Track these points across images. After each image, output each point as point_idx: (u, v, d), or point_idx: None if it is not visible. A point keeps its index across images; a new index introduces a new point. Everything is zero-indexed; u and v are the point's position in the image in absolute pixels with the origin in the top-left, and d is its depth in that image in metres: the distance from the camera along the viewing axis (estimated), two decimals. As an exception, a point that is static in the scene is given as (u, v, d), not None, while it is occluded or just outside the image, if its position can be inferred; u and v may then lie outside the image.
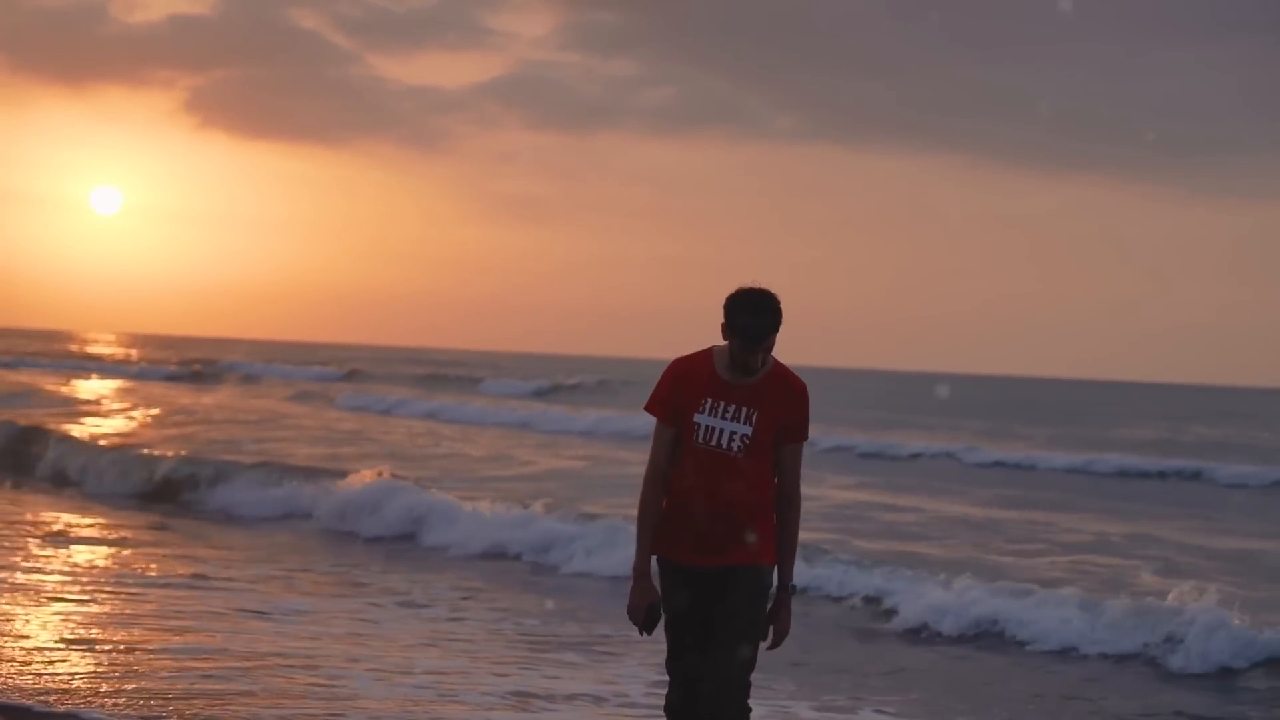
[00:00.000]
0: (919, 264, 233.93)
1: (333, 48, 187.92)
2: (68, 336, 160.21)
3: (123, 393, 44.10)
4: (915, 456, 32.66)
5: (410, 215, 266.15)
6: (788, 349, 5.01)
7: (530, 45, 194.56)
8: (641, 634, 5.04)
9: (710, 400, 4.91)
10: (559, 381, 66.67)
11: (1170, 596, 11.56)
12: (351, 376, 68.41)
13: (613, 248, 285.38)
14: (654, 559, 5.04)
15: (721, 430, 4.90)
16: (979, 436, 40.42)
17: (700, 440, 4.91)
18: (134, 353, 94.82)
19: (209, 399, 43.51)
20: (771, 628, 5.00)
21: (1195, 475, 29.54)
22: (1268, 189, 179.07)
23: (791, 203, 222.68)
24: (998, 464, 31.37)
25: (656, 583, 5.03)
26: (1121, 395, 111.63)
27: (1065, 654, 11.06)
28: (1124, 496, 24.49)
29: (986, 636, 11.55)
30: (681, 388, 4.97)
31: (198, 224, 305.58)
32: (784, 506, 5.01)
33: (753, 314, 4.84)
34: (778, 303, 4.88)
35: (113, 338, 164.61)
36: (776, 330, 4.88)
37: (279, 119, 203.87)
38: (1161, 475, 29.70)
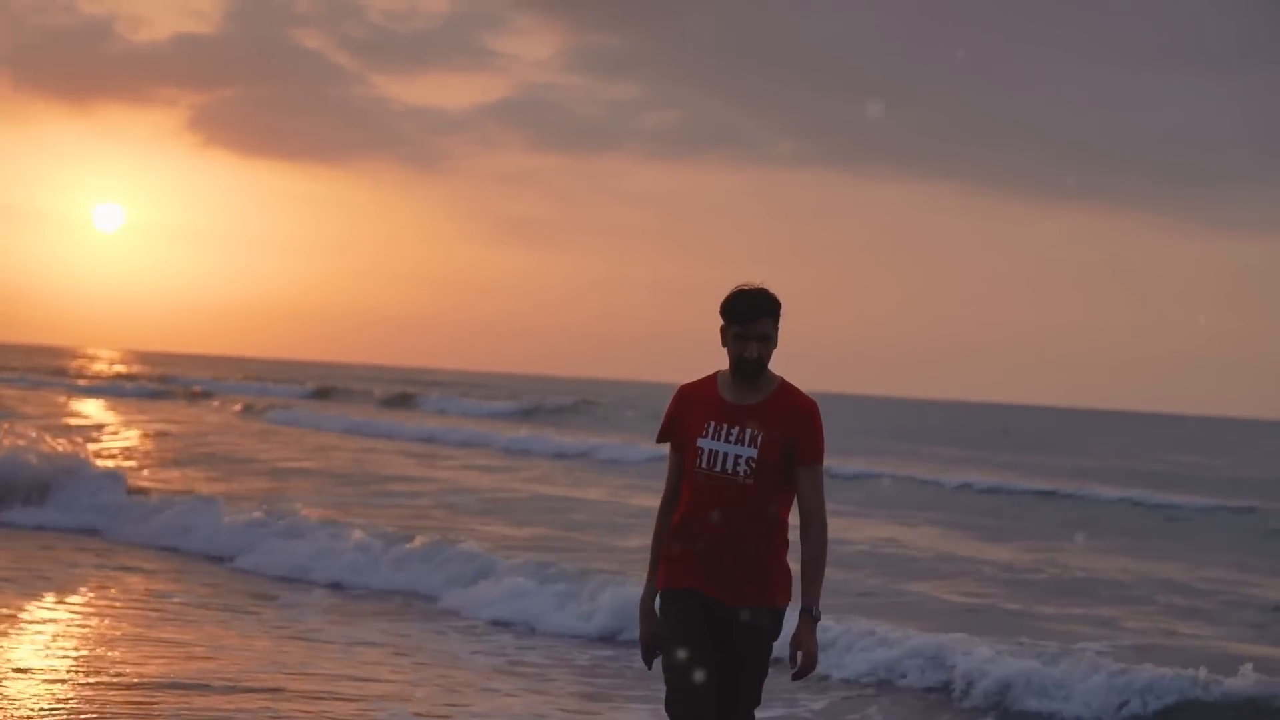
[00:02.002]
0: (918, 290, 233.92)
1: (336, 68, 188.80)
2: (68, 353, 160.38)
3: (51, 406, 43.72)
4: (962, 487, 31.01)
5: (411, 235, 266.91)
6: (789, 373, 4.86)
7: (533, 67, 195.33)
8: (647, 666, 4.88)
9: (713, 423, 4.72)
10: (539, 402, 66.04)
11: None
12: (322, 394, 68.16)
13: (613, 270, 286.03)
14: (660, 590, 4.83)
15: (726, 454, 4.68)
16: (994, 467, 39.33)
17: (704, 465, 4.71)
18: (108, 368, 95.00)
19: (123, 413, 43.18)
20: (799, 653, 4.68)
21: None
22: (1269, 221, 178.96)
23: (793, 227, 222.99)
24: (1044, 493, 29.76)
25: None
26: (1109, 424, 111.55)
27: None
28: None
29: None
30: (686, 412, 4.80)
31: (200, 241, 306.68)
32: (805, 528, 4.79)
33: (744, 298, 4.68)
34: (773, 294, 4.71)
35: (114, 354, 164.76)
36: (772, 319, 4.70)
37: (282, 138, 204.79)
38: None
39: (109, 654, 9.18)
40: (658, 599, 4.84)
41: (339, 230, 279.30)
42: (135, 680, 8.39)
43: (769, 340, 4.71)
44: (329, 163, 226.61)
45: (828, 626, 10.55)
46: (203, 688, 8.32)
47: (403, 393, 69.03)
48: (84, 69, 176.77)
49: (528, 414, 58.79)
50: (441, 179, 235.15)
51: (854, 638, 10.76)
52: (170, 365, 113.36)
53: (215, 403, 54.28)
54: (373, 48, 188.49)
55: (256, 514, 16.18)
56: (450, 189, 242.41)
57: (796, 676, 4.76)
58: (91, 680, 8.35)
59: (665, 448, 4.92)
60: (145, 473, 21.92)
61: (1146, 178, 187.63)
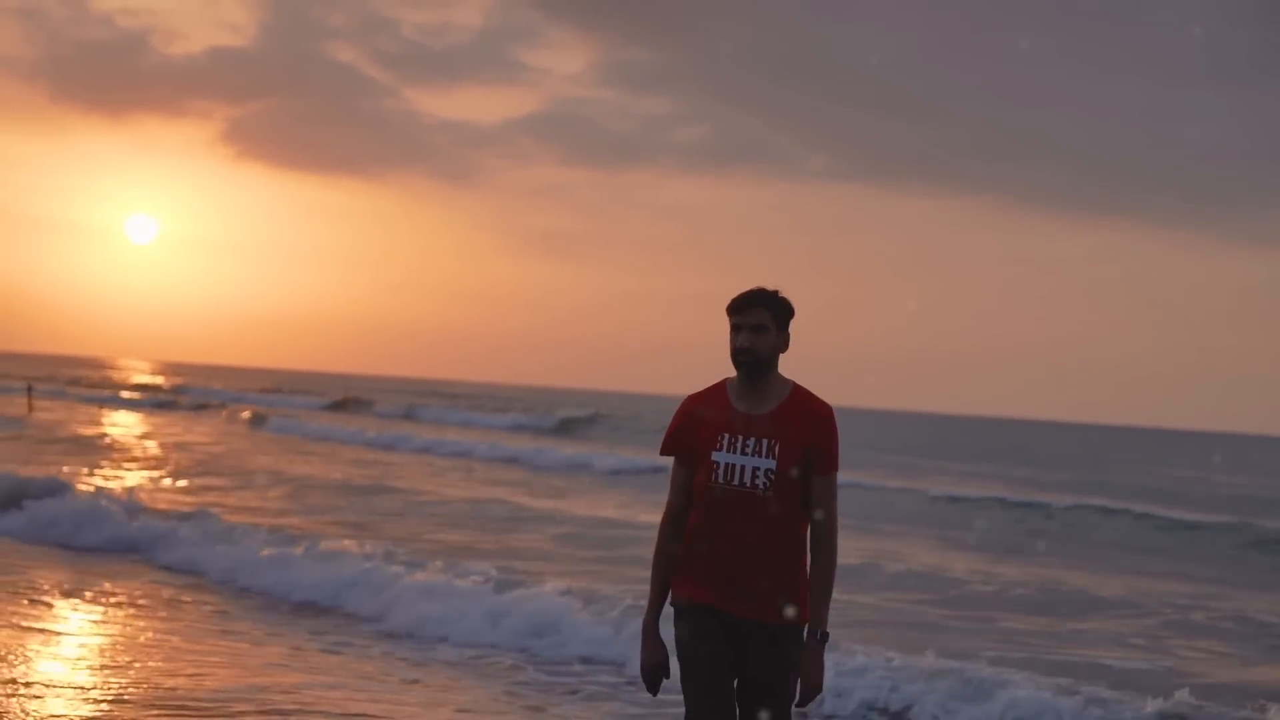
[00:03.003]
0: (946, 305, 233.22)
1: (369, 81, 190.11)
2: (100, 363, 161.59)
3: (52, 417, 44.15)
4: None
5: (443, 248, 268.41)
6: (817, 387, 4.61)
7: (565, 82, 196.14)
8: (650, 693, 4.64)
9: (728, 435, 4.49)
10: (565, 415, 65.72)
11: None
12: (342, 406, 68.47)
13: (643, 283, 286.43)
14: (674, 607, 4.59)
15: (743, 467, 4.45)
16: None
17: (721, 479, 4.47)
18: (125, 378, 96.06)
19: (125, 422, 43.60)
20: (799, 680, 4.49)
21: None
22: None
23: (821, 241, 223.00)
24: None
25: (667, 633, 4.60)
26: (1132, 440, 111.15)
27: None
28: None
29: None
30: (696, 424, 4.56)
31: (233, 254, 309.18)
32: (816, 544, 4.56)
33: (743, 292, 4.53)
34: (776, 293, 4.53)
35: (145, 365, 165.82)
36: (770, 312, 4.50)
37: (315, 150, 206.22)
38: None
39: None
40: (673, 619, 4.58)
41: (371, 243, 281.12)
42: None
43: (764, 332, 4.48)
44: (361, 176, 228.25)
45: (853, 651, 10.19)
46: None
47: (410, 404, 69.26)
48: (119, 81, 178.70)
49: (562, 428, 58.44)
50: (473, 192, 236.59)
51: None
52: (195, 376, 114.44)
53: (224, 413, 54.62)
54: (405, 61, 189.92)
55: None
56: (481, 202, 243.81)
57: (798, 705, 4.54)
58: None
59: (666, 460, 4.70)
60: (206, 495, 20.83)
61: (1175, 194, 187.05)
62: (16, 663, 8.67)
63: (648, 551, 4.80)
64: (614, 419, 62.94)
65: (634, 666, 9.75)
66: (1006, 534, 24.62)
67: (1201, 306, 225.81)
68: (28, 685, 8.02)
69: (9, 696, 7.66)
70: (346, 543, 15.02)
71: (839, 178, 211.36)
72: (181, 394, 70.03)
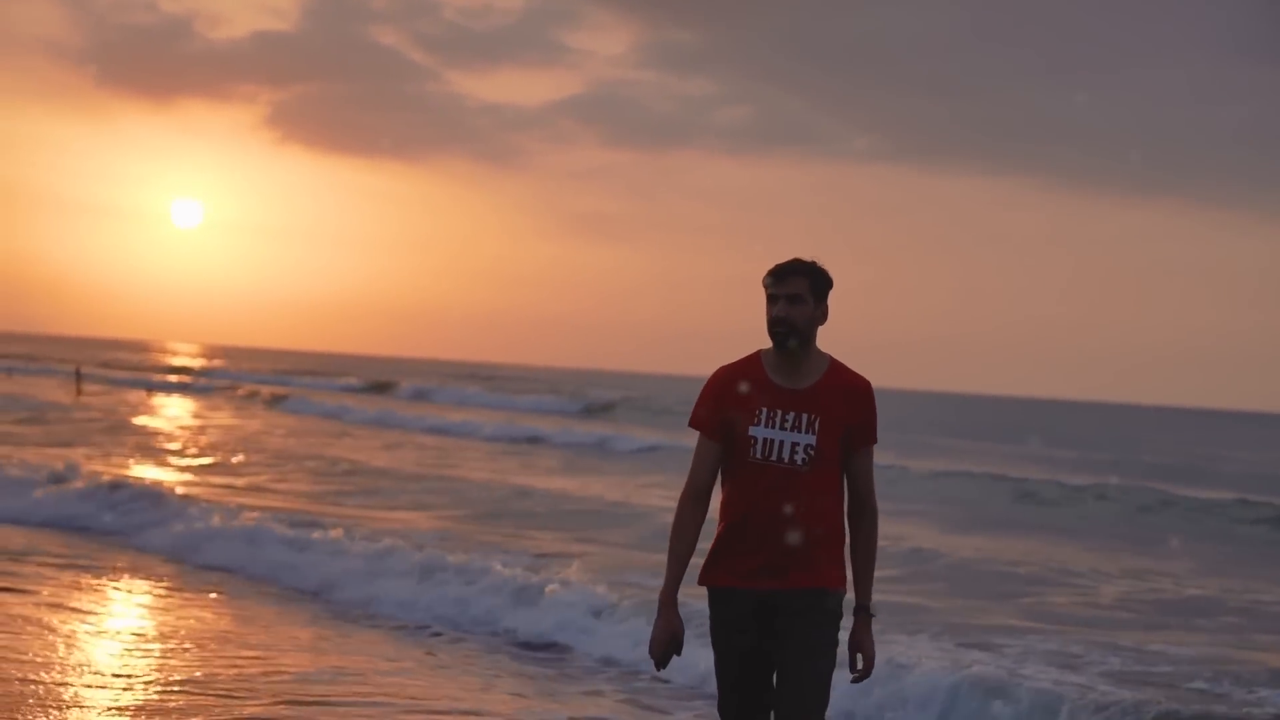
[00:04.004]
0: (989, 285, 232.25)
1: (411, 64, 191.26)
2: (146, 346, 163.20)
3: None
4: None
5: (486, 231, 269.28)
6: (858, 367, 4.55)
7: (607, 63, 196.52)
8: (658, 669, 4.47)
9: (766, 410, 4.38)
10: (595, 398, 66.00)
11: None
12: (377, 389, 69.15)
13: (685, 265, 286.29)
14: (706, 590, 4.51)
15: (782, 442, 4.36)
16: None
17: (759, 455, 4.37)
18: (172, 360, 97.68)
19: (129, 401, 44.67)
20: (860, 655, 4.47)
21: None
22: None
23: (864, 222, 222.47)
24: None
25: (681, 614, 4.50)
26: (1178, 421, 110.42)
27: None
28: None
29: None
30: (731, 398, 4.43)
31: (277, 237, 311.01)
32: (857, 518, 4.52)
33: (779, 264, 4.43)
34: (815, 263, 4.42)
35: (191, 348, 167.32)
36: (808, 282, 4.40)
37: (358, 134, 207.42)
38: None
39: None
40: (707, 601, 4.54)
41: (413, 226, 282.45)
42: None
43: (800, 302, 4.37)
44: (404, 159, 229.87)
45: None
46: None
47: (421, 388, 69.61)
48: (164, 66, 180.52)
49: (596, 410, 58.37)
50: (515, 175, 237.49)
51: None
52: (241, 359, 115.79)
53: (253, 396, 55.10)
54: (448, 44, 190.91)
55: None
56: (523, 185, 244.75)
57: (857, 679, 4.51)
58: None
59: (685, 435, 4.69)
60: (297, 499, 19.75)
61: (1221, 173, 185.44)
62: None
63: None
64: (642, 401, 63.18)
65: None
66: (1001, 509, 24.86)
67: (1250, 286, 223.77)
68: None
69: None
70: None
71: (882, 159, 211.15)
72: (221, 378, 71.00)
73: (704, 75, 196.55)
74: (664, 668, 4.45)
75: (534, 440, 37.39)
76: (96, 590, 11.65)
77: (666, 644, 4.40)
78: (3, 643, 8.94)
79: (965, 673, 9.03)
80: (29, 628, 9.56)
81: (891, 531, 18.94)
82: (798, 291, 4.37)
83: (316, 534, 14.21)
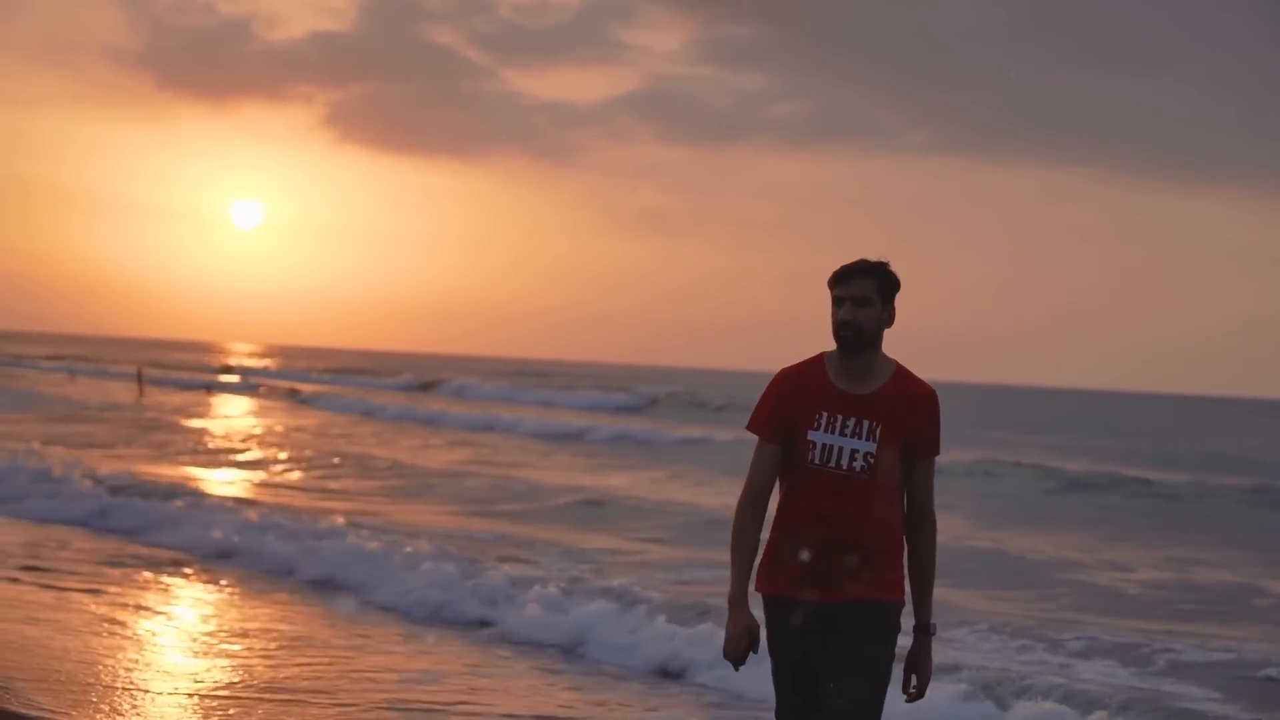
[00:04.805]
0: (1051, 277, 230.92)
1: (468, 63, 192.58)
2: (209, 347, 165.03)
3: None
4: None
5: (543, 228, 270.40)
6: (913, 361, 4.47)
7: (663, 59, 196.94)
8: (736, 668, 4.43)
9: (826, 414, 4.30)
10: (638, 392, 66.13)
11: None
12: (427, 388, 69.81)
13: (743, 260, 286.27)
14: (760, 598, 4.45)
15: (841, 449, 4.28)
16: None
17: (817, 460, 4.30)
18: (237, 361, 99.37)
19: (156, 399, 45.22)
20: (914, 676, 4.41)
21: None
22: None
23: (923, 216, 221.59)
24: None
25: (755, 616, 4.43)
26: (1241, 412, 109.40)
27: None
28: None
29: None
30: (792, 401, 4.35)
31: (336, 237, 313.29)
32: (916, 532, 4.42)
33: (846, 264, 4.32)
34: (883, 263, 4.31)
35: (253, 348, 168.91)
36: (875, 283, 4.30)
37: (415, 133, 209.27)
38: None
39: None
40: (763, 609, 4.46)
41: (472, 224, 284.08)
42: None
43: (867, 305, 4.27)
44: (461, 157, 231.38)
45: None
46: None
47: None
48: (223, 68, 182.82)
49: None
50: (572, 172, 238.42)
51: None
52: (298, 359, 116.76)
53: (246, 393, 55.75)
54: (504, 42, 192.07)
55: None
56: (581, 182, 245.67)
57: (911, 700, 4.46)
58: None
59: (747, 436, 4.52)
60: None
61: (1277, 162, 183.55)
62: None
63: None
64: (686, 395, 62.88)
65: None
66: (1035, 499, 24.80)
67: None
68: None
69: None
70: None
71: (940, 151, 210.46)
72: (280, 379, 71.61)
73: (759, 70, 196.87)
74: (740, 665, 4.40)
75: (566, 436, 37.45)
76: (192, 593, 11.86)
77: (743, 642, 4.35)
78: (91, 645, 9.12)
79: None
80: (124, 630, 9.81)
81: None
82: (864, 294, 4.27)
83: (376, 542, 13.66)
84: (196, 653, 9.37)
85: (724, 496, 20.70)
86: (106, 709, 7.47)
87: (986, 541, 17.60)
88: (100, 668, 8.49)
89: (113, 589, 11.67)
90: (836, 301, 4.30)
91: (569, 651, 10.29)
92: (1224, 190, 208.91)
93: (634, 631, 10.33)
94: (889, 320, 4.33)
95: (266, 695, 8.11)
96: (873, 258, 4.30)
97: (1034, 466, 30.39)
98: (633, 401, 57.64)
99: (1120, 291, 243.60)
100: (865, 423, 4.28)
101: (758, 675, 5.16)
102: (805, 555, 4.30)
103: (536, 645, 10.44)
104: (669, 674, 9.63)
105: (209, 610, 11.21)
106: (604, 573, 13.34)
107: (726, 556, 4.47)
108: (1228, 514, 24.12)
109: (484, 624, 11.15)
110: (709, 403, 55.37)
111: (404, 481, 22.61)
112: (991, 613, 12.09)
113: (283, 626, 10.54)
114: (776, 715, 4.47)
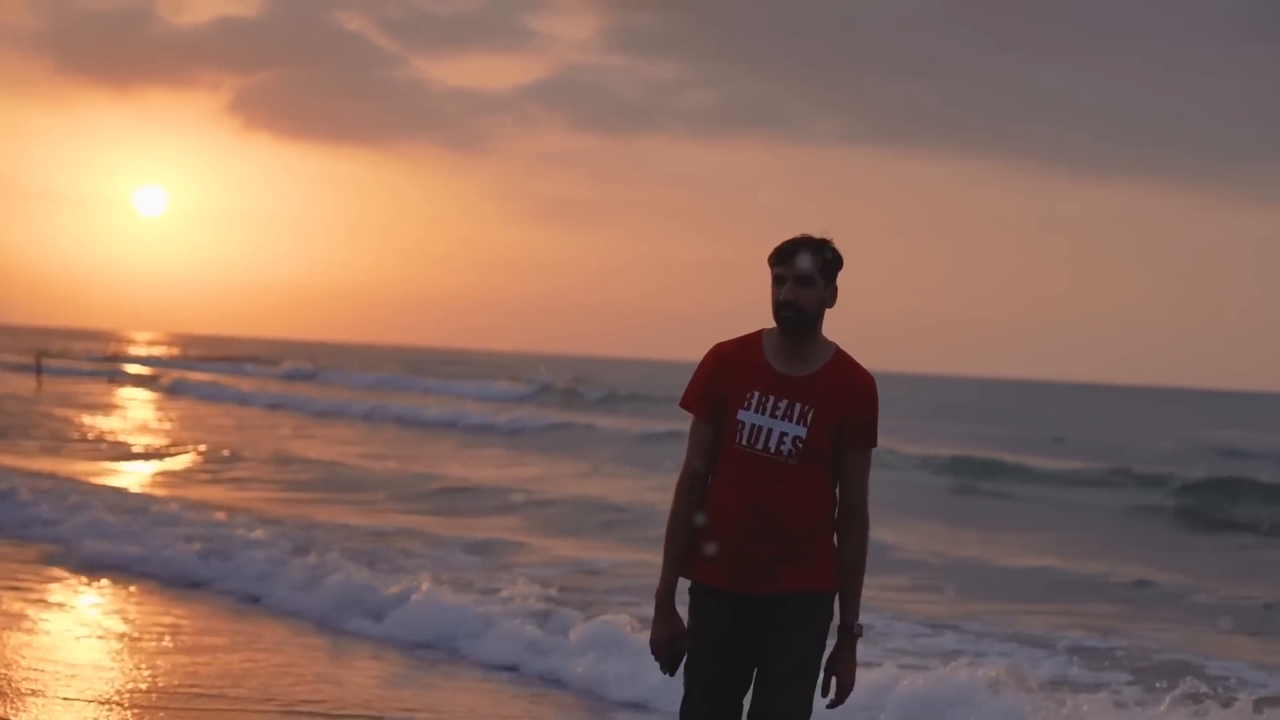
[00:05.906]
0: (957, 266, 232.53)
1: (376, 50, 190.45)
2: (109, 336, 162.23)
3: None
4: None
5: (452, 216, 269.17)
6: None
7: (573, 48, 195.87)
8: (665, 673, 4.24)
9: (758, 394, 4.09)
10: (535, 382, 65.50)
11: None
12: (309, 377, 68.30)
13: (653, 249, 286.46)
14: (687, 583, 4.24)
15: (770, 431, 4.08)
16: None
17: (744, 442, 4.09)
18: (132, 350, 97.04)
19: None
20: (834, 679, 4.18)
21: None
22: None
23: (832, 205, 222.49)
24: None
25: (683, 611, 4.24)
26: (1134, 400, 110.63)
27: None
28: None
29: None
30: (723, 377, 4.14)
31: (241, 225, 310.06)
32: (846, 526, 4.19)
33: (786, 242, 4.11)
34: (824, 240, 4.12)
35: (153, 337, 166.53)
36: (817, 260, 4.09)
37: (323, 120, 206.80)
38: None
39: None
40: (688, 593, 4.25)
41: (379, 212, 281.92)
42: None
43: (810, 284, 4.08)
44: (369, 145, 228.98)
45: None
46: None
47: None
48: (125, 52, 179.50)
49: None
50: (481, 160, 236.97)
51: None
52: (197, 347, 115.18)
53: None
54: (413, 29, 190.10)
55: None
56: (490, 171, 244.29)
57: (832, 705, 4.23)
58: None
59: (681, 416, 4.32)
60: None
61: (1189, 152, 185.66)
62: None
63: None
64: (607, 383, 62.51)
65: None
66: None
67: (1218, 265, 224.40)
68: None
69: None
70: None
71: (850, 141, 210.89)
72: (170, 368, 69.98)
73: (670, 59, 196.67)
74: (674, 671, 4.22)
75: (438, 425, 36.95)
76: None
77: (668, 646, 4.17)
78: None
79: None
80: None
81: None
82: (807, 272, 4.08)
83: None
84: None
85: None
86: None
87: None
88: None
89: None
90: (777, 280, 4.10)
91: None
92: (1136, 180, 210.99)
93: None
94: (831, 300, 4.14)
95: None
96: (816, 234, 4.11)
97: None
98: (518, 391, 56.78)
99: (1031, 280, 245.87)
100: (798, 406, 4.08)
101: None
102: (730, 543, 4.09)
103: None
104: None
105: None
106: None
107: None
108: (1057, 498, 24.67)
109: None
110: (587, 395, 54.28)
111: (242, 472, 21.80)
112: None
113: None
114: (682, 715, 4.19)
